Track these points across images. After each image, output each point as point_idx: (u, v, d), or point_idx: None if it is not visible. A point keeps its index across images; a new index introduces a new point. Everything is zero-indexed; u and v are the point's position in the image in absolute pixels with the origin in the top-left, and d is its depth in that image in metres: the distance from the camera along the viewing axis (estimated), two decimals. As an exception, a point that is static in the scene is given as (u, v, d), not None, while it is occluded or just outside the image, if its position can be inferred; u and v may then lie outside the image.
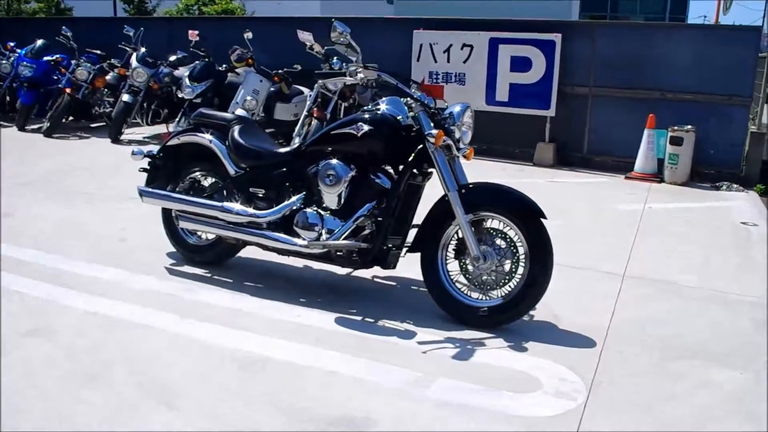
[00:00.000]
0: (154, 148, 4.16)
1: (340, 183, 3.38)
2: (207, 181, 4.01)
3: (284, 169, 3.67)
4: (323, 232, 3.42)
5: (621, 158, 7.91)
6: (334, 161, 3.42)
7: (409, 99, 3.38)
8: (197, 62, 8.43)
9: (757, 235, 5.21)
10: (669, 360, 2.98)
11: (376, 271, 3.66)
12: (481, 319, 3.24)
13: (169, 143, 4.00)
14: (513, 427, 2.41)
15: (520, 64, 8.26)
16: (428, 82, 8.79)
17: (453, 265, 3.37)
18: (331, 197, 3.44)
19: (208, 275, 3.87)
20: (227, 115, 3.97)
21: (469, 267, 3.32)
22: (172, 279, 3.80)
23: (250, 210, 3.60)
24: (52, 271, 3.82)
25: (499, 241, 3.26)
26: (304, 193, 3.56)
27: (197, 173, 4.00)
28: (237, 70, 8.59)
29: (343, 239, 3.35)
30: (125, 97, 8.51)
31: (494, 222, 3.28)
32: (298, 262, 3.98)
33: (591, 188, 6.83)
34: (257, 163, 3.72)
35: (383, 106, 3.45)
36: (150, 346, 2.95)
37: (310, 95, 7.71)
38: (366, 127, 3.34)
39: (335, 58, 7.62)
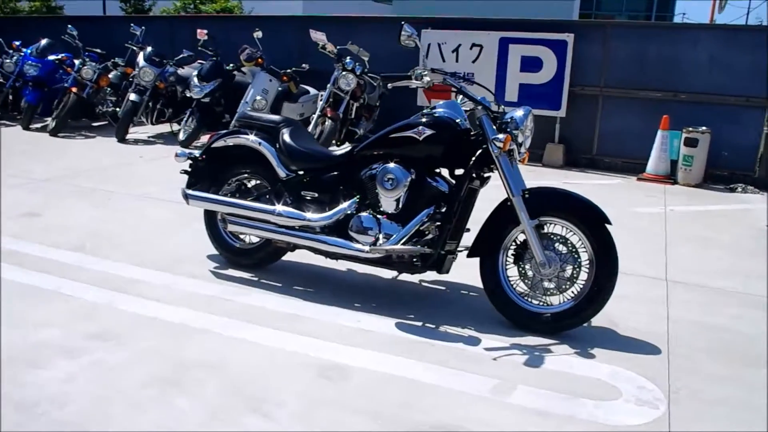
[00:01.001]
0: (195, 151, 4.11)
1: (399, 187, 3.37)
2: (252, 184, 3.96)
3: (336, 173, 3.64)
4: (380, 236, 3.41)
5: (631, 159, 8.01)
6: (392, 165, 3.41)
7: (470, 102, 3.38)
8: (206, 62, 8.34)
9: (783, 239, 5.30)
10: (739, 367, 3.01)
11: (423, 275, 3.66)
12: (544, 326, 3.24)
13: (214, 145, 3.95)
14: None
15: (531, 64, 8.30)
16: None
17: (511, 271, 3.37)
18: (389, 201, 3.42)
19: (255, 279, 3.84)
20: (275, 117, 3.93)
21: (529, 272, 3.32)
22: (221, 282, 3.76)
23: (306, 214, 3.57)
24: (99, 275, 3.75)
25: (560, 247, 3.27)
26: (358, 197, 3.54)
27: (243, 176, 3.95)
28: (243, 70, 8.53)
29: (402, 244, 3.34)
30: (133, 97, 8.40)
31: (556, 227, 3.29)
32: (341, 266, 3.96)
33: (608, 190, 6.90)
34: (309, 166, 3.69)
35: (441, 110, 3.45)
36: (219, 351, 2.91)
37: (322, 95, 7.70)
38: (428, 131, 3.33)
39: (348, 57, 7.59)
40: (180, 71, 8.84)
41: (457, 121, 3.40)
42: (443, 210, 3.37)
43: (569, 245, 3.26)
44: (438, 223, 3.32)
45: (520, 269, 3.35)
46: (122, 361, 2.79)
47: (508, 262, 3.36)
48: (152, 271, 3.86)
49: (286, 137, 3.73)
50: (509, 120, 3.33)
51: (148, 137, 8.82)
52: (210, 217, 4.06)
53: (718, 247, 4.98)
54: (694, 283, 4.14)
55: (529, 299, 3.33)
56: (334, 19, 9.28)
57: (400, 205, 3.41)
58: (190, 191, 3.92)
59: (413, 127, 3.38)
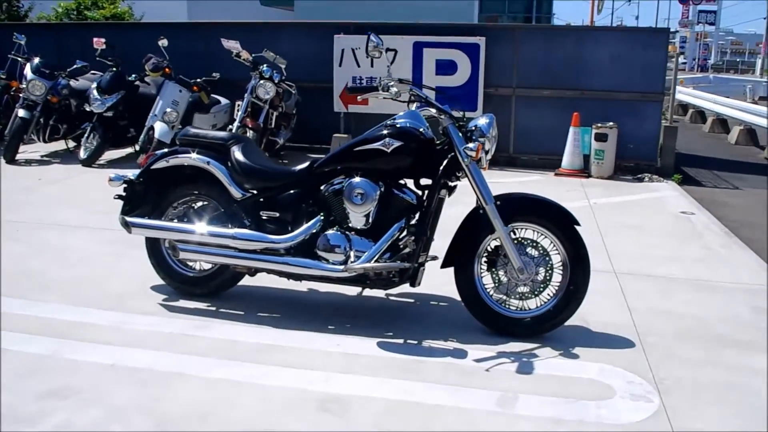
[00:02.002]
0: (129, 173, 3.80)
1: (369, 201, 3.28)
2: (199, 206, 3.72)
3: (296, 190, 3.50)
4: (351, 253, 3.31)
5: (546, 156, 8.35)
6: (359, 179, 3.32)
7: (436, 111, 3.35)
8: (105, 72, 7.80)
9: (701, 224, 5.72)
10: (711, 350, 3.20)
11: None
12: (525, 330, 3.28)
13: (154, 167, 3.67)
14: (613, 435, 2.48)
15: (446, 68, 8.45)
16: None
17: (485, 278, 3.38)
18: (358, 216, 3.33)
19: (213, 309, 3.61)
20: (222, 134, 3.71)
21: (503, 278, 3.35)
22: (177, 316, 3.50)
23: (269, 236, 3.40)
24: (35, 321, 3.37)
25: (532, 251, 3.32)
26: (322, 214, 3.42)
27: (189, 198, 3.70)
28: (147, 80, 8.08)
29: (375, 260, 3.26)
30: (22, 113, 7.69)
31: (527, 231, 3.34)
32: (301, 286, 3.80)
33: (531, 187, 7.11)
34: (266, 184, 3.52)
35: (403, 120, 3.40)
36: (203, 397, 2.69)
37: (239, 104, 7.43)
38: (396, 143, 3.27)
39: (265, 65, 7.37)
40: (74, 83, 8.20)
41: (421, 130, 3.36)
42: (414, 222, 3.32)
43: (540, 248, 3.32)
44: (413, 236, 3.27)
45: (494, 276, 3.37)
46: (95, 421, 2.50)
47: (482, 270, 3.37)
48: (96, 311, 3.52)
49: (239, 155, 3.54)
50: (474, 128, 3.34)
51: (42, 157, 8.12)
52: (153, 245, 3.77)
53: (649, 235, 5.29)
54: (640, 272, 4.36)
55: (507, 305, 3.35)
56: (241, 25, 8.98)
57: (370, 220, 3.33)
58: (131, 219, 3.62)
59: (379, 140, 3.31)
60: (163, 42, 7.74)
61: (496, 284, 3.37)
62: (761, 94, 18.62)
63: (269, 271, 3.49)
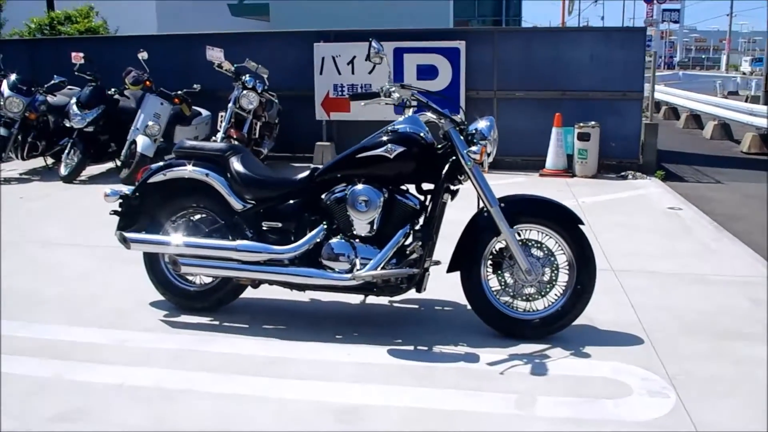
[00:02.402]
0: (124, 188, 3.73)
1: (373, 208, 3.26)
2: (197, 219, 3.66)
3: (297, 199, 3.47)
4: (357, 261, 3.28)
5: (530, 157, 8.40)
6: (362, 186, 3.30)
7: (434, 115, 3.35)
8: (85, 87, 7.67)
9: (689, 220, 5.80)
10: (716, 342, 3.23)
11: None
12: (534, 331, 3.28)
13: (151, 180, 3.60)
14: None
15: (427, 72, 8.47)
16: (333, 95, 8.76)
17: (491, 281, 3.38)
18: (362, 224, 3.30)
19: (216, 323, 3.55)
20: (220, 145, 3.66)
21: (509, 280, 3.35)
22: (179, 332, 3.43)
23: (273, 246, 3.35)
24: (33, 343, 3.28)
25: (536, 252, 3.33)
26: (325, 223, 3.39)
27: (186, 211, 3.64)
28: (126, 93, 7.96)
29: (382, 267, 3.23)
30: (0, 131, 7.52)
31: (531, 233, 3.34)
32: (302, 296, 3.75)
33: (518, 188, 7.13)
34: (267, 194, 3.47)
35: (404, 126, 3.38)
36: (216, 413, 2.63)
37: (222, 116, 7.36)
38: (399, 148, 3.25)
39: (248, 75, 7.32)
40: (51, 99, 8.05)
41: (422, 135, 3.36)
42: (419, 227, 3.31)
43: (545, 249, 3.33)
44: (420, 242, 3.25)
45: (500, 278, 3.36)
46: (109, 441, 2.44)
47: (488, 273, 3.36)
48: (95, 330, 3.44)
49: (238, 165, 3.49)
50: (474, 131, 3.34)
51: (21, 174, 7.95)
52: (152, 261, 3.70)
53: (641, 232, 5.34)
54: (637, 269, 4.39)
55: (514, 307, 3.35)
56: (220, 36, 8.90)
57: (375, 227, 3.31)
58: (130, 234, 3.54)
59: (380, 146, 3.29)
60: (143, 55, 7.64)
61: (502, 286, 3.37)
62: (730, 89, 19.05)
63: (273, 283, 3.45)
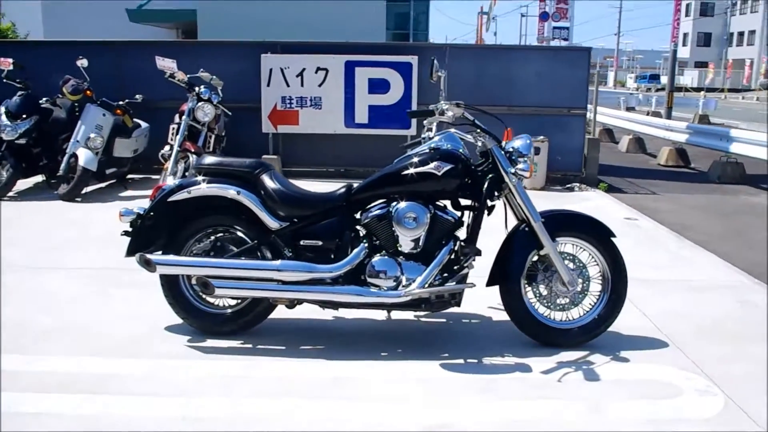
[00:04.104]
0: (135, 206, 3.60)
1: (421, 225, 3.36)
2: (224, 239, 3.58)
3: (336, 217, 3.50)
4: (402, 278, 3.37)
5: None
6: (407, 203, 3.39)
7: (481, 133, 3.50)
8: (15, 96, 7.18)
9: (650, 230, 6.33)
10: (734, 344, 3.59)
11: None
12: (574, 339, 3.50)
13: (173, 198, 3.50)
14: (704, 428, 2.73)
15: (379, 86, 8.66)
16: (281, 107, 8.75)
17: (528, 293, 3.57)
18: (408, 241, 3.39)
19: (249, 346, 3.49)
20: (247, 161, 3.59)
21: (543, 291, 3.56)
22: (213, 357, 3.34)
23: (318, 265, 3.36)
24: (55, 378, 3.07)
25: (569, 263, 3.56)
26: (365, 241, 3.45)
27: (209, 231, 3.56)
28: (59, 102, 7.54)
29: (429, 283, 3.34)
30: None
31: (566, 246, 3.57)
32: (325, 314, 3.77)
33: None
34: (305, 212, 3.48)
35: (444, 143, 3.51)
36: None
37: (173, 128, 7.15)
38: (447, 165, 3.38)
39: (203, 87, 7.15)
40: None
41: (461, 151, 3.50)
42: (464, 243, 3.44)
43: (577, 261, 3.56)
44: (469, 257, 3.38)
45: (534, 290, 3.56)
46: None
47: (526, 286, 3.55)
48: (120, 361, 3.28)
49: (271, 183, 3.48)
50: (512, 150, 3.53)
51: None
52: (172, 284, 3.58)
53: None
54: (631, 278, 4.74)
55: (551, 317, 3.56)
56: (160, 45, 8.63)
57: (420, 243, 3.40)
58: (155, 256, 3.42)
59: (426, 163, 3.40)
60: (83, 62, 7.28)
61: (537, 297, 3.56)
62: (630, 105, 20.65)
63: (314, 302, 3.45)
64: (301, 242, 3.46)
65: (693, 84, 44.30)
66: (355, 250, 3.41)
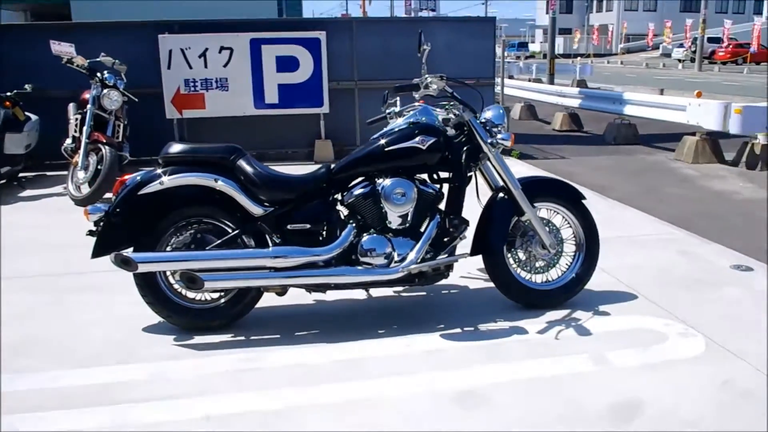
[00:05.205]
0: (102, 204, 3.44)
1: (409, 200, 3.47)
2: (202, 230, 3.49)
3: (319, 198, 3.52)
4: (394, 255, 3.47)
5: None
6: (391, 179, 3.48)
7: (461, 106, 3.64)
8: None
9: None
10: (695, 291, 4.01)
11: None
12: (554, 300, 3.76)
13: (144, 191, 3.35)
14: (704, 368, 3.07)
15: (287, 64, 8.59)
16: (185, 90, 8.47)
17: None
18: (397, 217, 3.49)
19: (243, 338, 3.46)
20: (217, 146, 3.50)
21: (521, 256, 3.79)
22: (214, 353, 3.28)
23: (311, 249, 3.38)
24: (50, 394, 2.90)
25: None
26: (351, 220, 3.51)
27: (183, 223, 3.46)
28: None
29: (422, 257, 3.46)
30: None
31: (542, 211, 3.81)
32: (304, 299, 3.81)
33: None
34: (288, 196, 3.47)
35: (422, 117, 3.62)
36: (334, 425, 2.67)
37: (76, 119, 6.72)
38: (430, 139, 3.49)
39: (106, 72, 6.76)
40: None
41: (437, 124, 3.63)
42: (452, 215, 3.58)
43: (551, 225, 3.82)
44: (458, 229, 3.53)
45: (514, 255, 3.79)
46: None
47: (507, 252, 3.76)
48: (112, 368, 3.14)
49: (250, 168, 3.43)
50: (484, 120, 3.71)
51: None
52: (149, 283, 3.45)
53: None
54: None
55: (532, 279, 3.80)
56: (45, 28, 8.02)
57: (409, 219, 3.51)
58: (135, 254, 3.29)
59: (410, 138, 3.49)
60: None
61: (516, 263, 3.79)
62: (511, 73, 21.71)
63: (307, 287, 3.47)
64: (288, 227, 3.46)
65: (560, 50, 47.10)
66: (345, 231, 3.46)
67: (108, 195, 6.40)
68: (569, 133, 12.30)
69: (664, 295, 3.93)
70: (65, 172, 6.56)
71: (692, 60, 37.26)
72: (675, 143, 9.95)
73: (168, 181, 3.36)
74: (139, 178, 3.42)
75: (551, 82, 16.99)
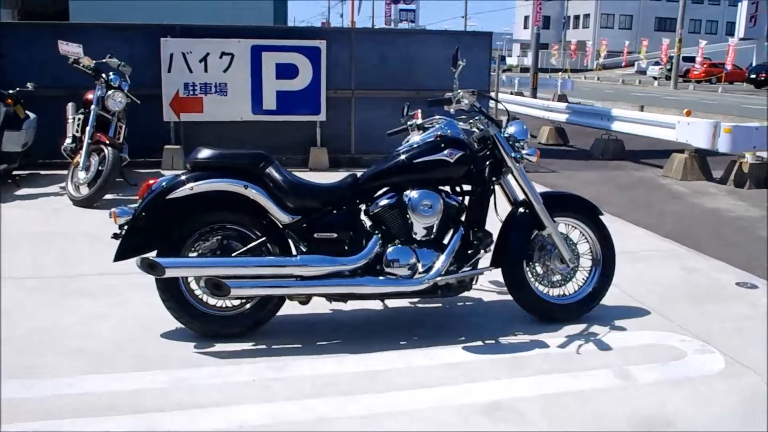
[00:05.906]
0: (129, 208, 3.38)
1: (436, 212, 3.46)
2: (227, 236, 3.44)
3: (347, 207, 3.50)
4: (419, 266, 3.45)
5: (387, 155, 8.93)
6: (419, 191, 3.46)
7: (486, 120, 3.65)
8: None
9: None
10: (703, 306, 4.05)
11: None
12: (573, 314, 3.78)
13: (173, 195, 3.29)
14: (726, 385, 3.09)
15: (287, 71, 8.55)
16: (183, 94, 8.37)
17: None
18: (422, 228, 3.47)
19: (265, 347, 3.40)
20: (245, 152, 3.45)
21: (539, 270, 3.80)
22: (237, 362, 3.22)
23: (339, 258, 3.35)
24: (75, 399, 2.81)
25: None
26: (377, 231, 3.49)
27: (209, 228, 3.41)
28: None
29: (447, 269, 3.45)
30: None
31: (560, 225, 3.83)
32: (322, 308, 3.77)
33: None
34: (316, 204, 3.43)
35: (448, 130, 3.62)
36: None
37: (78, 119, 6.61)
38: (458, 152, 3.49)
39: (112, 73, 6.65)
40: None
41: (463, 137, 3.64)
42: (475, 228, 3.57)
43: (569, 240, 3.84)
44: (483, 242, 3.53)
45: (532, 269, 3.79)
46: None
47: (526, 266, 3.76)
48: (129, 375, 3.06)
49: (278, 175, 3.39)
50: (508, 136, 3.72)
51: None
52: (171, 288, 3.38)
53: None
54: (581, 252, 5.16)
55: (549, 293, 3.81)
56: (46, 27, 7.87)
57: (434, 230, 3.50)
58: (163, 259, 3.23)
59: (437, 151, 3.49)
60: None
61: (534, 276, 3.80)
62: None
63: (333, 296, 3.44)
64: (316, 235, 3.42)
65: (539, 65, 47.53)
66: (371, 241, 3.43)
67: (108, 196, 6.34)
68: (555, 147, 12.41)
69: (675, 311, 3.96)
70: (59, 172, 6.43)
71: (667, 78, 37.94)
72: (661, 159, 10.11)
73: (197, 186, 3.31)
74: (165, 183, 3.36)
75: (534, 95, 17.13)
